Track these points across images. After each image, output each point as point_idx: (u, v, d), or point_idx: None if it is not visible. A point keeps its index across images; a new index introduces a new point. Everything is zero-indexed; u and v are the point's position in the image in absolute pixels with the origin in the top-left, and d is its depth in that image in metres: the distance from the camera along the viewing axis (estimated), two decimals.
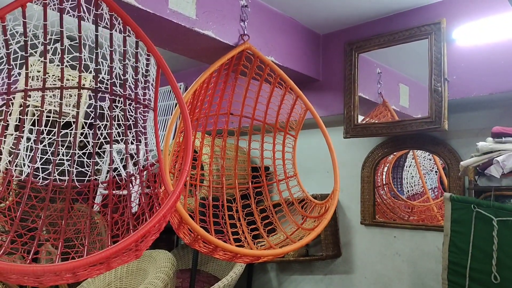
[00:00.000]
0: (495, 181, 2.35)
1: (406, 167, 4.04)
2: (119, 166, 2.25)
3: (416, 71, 3.27)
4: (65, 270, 1.38)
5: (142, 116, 2.12)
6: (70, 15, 1.88)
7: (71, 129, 2.16)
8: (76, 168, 2.14)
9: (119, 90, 2.09)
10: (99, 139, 2.15)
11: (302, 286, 3.49)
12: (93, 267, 1.51)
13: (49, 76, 3.05)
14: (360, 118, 3.19)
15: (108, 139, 2.16)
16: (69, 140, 2.14)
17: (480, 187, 2.39)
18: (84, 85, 2.32)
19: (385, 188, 3.77)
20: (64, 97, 3.14)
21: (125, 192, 2.08)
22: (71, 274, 1.48)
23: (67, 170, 2.13)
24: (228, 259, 2.24)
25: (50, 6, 1.82)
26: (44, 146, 2.13)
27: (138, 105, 2.08)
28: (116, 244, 1.43)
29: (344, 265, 3.30)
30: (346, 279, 3.28)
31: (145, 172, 2.12)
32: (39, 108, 2.13)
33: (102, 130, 2.17)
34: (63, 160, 2.14)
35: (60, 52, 1.97)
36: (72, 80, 3.31)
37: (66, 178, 2.11)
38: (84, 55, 1.97)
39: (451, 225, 2.41)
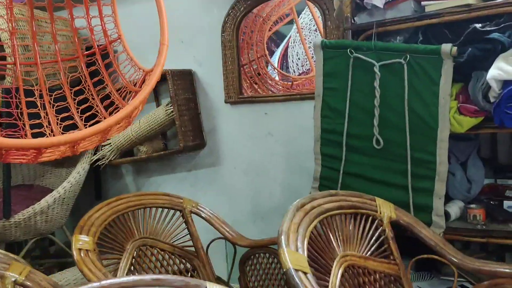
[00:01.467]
0: (377, 14, 1.72)
1: (291, 43, 3.37)
2: None
3: None
4: None
5: None
6: None
7: None
8: None
9: None
10: None
11: (164, 188, 2.84)
12: None
13: None
14: None
15: None
16: None
17: (359, 25, 1.75)
18: None
19: (259, 62, 3.10)
20: None
21: None
22: None
23: None
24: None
25: None
26: None
27: None
28: None
29: (210, 157, 2.66)
30: (213, 173, 2.66)
31: None
32: None
33: None
34: None
35: None
36: None
37: None
38: None
39: (324, 80, 1.79)
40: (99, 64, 2.06)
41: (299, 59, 3.33)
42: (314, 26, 3.27)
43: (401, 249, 1.50)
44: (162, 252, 1.91)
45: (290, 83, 3.05)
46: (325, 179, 1.83)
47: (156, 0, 1.66)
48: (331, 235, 1.35)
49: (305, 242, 1.19)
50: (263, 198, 2.53)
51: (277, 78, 3.16)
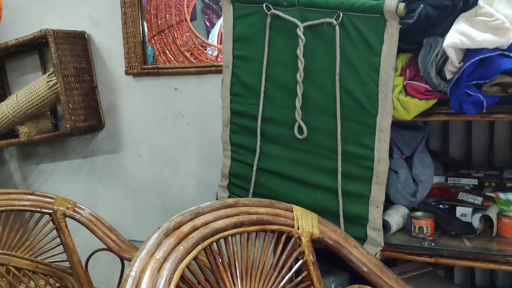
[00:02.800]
0: None
1: None
2: None
3: None
4: None
5: None
6: None
7: None
8: None
9: None
10: None
11: (54, 178, 2.32)
12: None
13: None
14: None
15: None
16: None
17: None
18: None
19: (179, 28, 2.60)
20: None
21: None
22: None
23: None
24: None
25: None
26: None
27: None
28: None
29: (109, 141, 2.16)
30: (114, 160, 2.17)
31: None
32: None
33: None
34: None
35: None
36: None
37: None
38: None
39: (234, 47, 1.34)
40: None
41: None
42: None
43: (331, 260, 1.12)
44: (18, 272, 1.43)
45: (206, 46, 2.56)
46: (235, 176, 1.41)
47: None
48: (221, 269, 0.93)
49: None
50: (173, 193, 2.08)
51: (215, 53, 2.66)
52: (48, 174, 2.34)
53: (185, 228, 0.88)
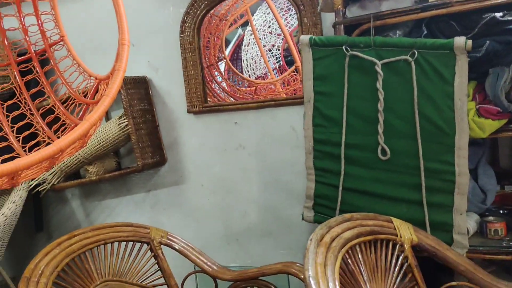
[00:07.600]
0: (371, 6, 1.51)
1: (245, 46, 3.15)
2: None
3: None
4: None
5: None
6: None
7: None
8: None
9: None
10: None
11: (118, 212, 2.47)
12: None
13: None
14: None
15: None
16: None
17: (353, 19, 1.53)
18: None
19: (218, 67, 2.84)
20: None
21: None
22: None
23: None
24: None
25: None
26: None
27: None
28: None
29: (172, 174, 2.34)
30: (177, 192, 2.34)
31: None
32: None
33: None
34: None
35: None
36: None
37: None
38: None
39: (314, 84, 1.55)
40: (37, 72, 1.69)
41: (255, 62, 3.13)
42: (268, 28, 3.11)
43: None
44: None
45: (246, 88, 2.81)
46: (321, 197, 1.59)
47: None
48: (356, 272, 1.10)
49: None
50: (236, 218, 2.25)
51: (223, 85, 2.91)
52: (111, 209, 2.49)
53: (327, 239, 1.06)
